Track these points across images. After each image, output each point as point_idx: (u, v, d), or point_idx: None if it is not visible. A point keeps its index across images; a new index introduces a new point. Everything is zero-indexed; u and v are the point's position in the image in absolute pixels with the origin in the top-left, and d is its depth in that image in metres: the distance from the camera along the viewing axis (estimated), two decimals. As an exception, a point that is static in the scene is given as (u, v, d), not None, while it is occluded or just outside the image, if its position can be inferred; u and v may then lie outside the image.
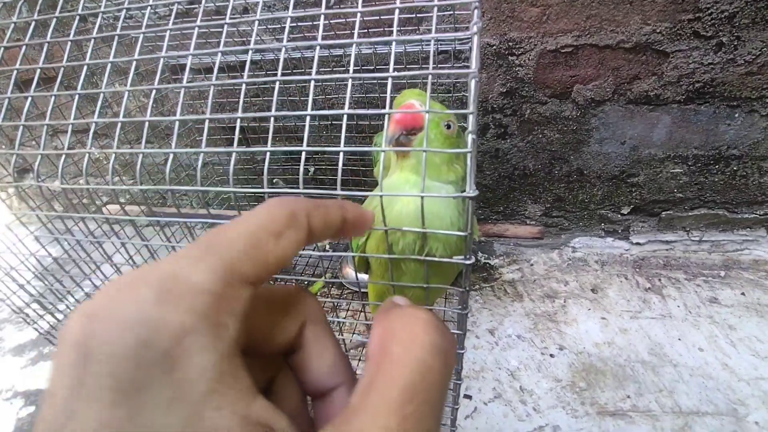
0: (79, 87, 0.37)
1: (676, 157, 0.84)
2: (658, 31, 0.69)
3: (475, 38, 0.29)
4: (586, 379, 0.73)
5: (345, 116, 0.31)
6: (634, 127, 0.81)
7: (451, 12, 0.65)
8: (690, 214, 0.91)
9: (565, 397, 0.71)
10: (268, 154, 0.32)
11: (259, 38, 0.77)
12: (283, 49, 0.34)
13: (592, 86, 0.77)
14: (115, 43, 0.37)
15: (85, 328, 0.11)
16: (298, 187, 0.31)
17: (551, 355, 0.78)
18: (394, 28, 0.31)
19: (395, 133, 0.35)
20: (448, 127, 0.38)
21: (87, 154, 0.37)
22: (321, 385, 0.16)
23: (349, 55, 0.78)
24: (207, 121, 0.34)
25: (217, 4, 0.66)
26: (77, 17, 0.39)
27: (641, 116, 0.80)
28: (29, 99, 0.39)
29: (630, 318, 0.83)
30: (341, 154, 0.30)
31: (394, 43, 0.31)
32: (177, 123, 0.35)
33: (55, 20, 0.40)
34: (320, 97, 0.90)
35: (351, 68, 0.31)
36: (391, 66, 0.31)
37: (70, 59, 0.40)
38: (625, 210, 0.94)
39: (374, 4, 0.35)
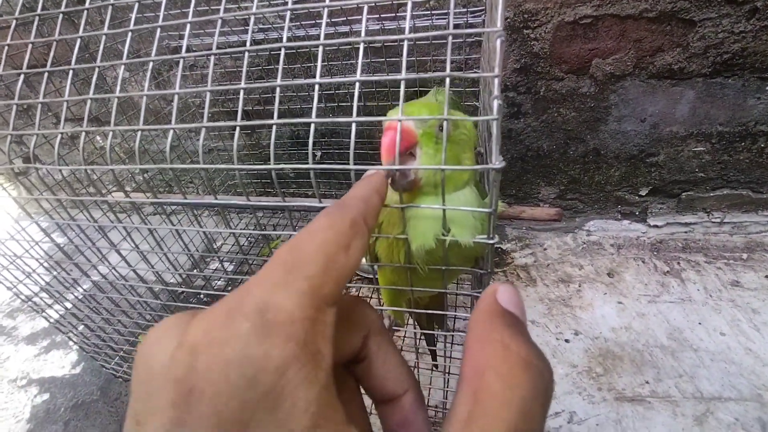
0: (73, 61, 0.35)
1: (699, 134, 0.80)
2: (685, -3, 0.65)
3: (501, -7, 0.26)
4: (602, 364, 0.71)
5: (357, 83, 0.28)
6: (656, 103, 0.77)
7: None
8: (711, 194, 0.88)
9: (581, 382, 0.69)
10: (274, 127, 0.30)
11: (260, 14, 0.74)
12: (287, 25, 0.31)
13: (611, 60, 0.73)
14: (109, 12, 0.35)
15: (186, 363, 0.11)
16: (305, 172, 0.29)
17: (566, 341, 0.76)
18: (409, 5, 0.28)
19: (391, 162, 0.28)
20: (441, 128, 0.33)
21: (83, 133, 0.35)
22: (389, 392, 0.16)
23: (357, 31, 0.75)
24: (208, 93, 0.32)
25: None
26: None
27: (663, 91, 0.76)
28: (21, 77, 0.37)
29: (648, 302, 0.81)
30: (353, 125, 0.28)
31: (410, 3, 0.28)
32: (176, 97, 0.32)
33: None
34: (326, 77, 0.87)
35: (363, 32, 0.29)
36: (407, 29, 0.28)
37: (67, 42, 0.37)
38: (643, 191, 0.90)
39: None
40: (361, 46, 0.28)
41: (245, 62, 0.32)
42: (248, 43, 0.33)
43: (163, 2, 0.35)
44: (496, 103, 0.25)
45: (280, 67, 0.31)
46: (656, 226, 0.94)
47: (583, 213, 0.96)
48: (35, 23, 0.38)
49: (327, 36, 0.76)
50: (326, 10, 0.30)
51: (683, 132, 0.80)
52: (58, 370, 0.86)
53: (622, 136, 0.82)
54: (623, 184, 0.90)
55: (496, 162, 0.24)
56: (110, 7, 0.36)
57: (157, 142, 1.08)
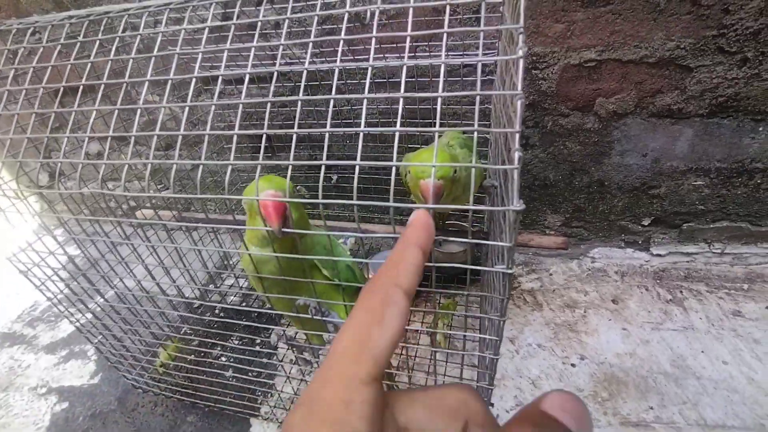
0: (105, 77, 0.40)
1: (698, 169, 0.84)
2: (681, 46, 0.70)
3: (521, 62, 0.31)
4: (608, 389, 0.74)
5: (401, 99, 0.32)
6: (656, 139, 0.82)
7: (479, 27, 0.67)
8: (712, 226, 0.91)
9: (587, 406, 0.71)
10: (327, 134, 0.34)
11: (290, 51, 0.80)
12: (338, 64, 0.36)
13: (614, 99, 0.79)
14: (137, 41, 0.40)
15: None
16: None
17: (572, 365, 0.78)
18: (443, 47, 0.33)
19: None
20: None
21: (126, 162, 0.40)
22: None
23: (383, 66, 0.81)
24: (269, 105, 0.36)
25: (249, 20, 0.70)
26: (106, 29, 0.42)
27: (663, 129, 0.81)
28: (61, 89, 0.42)
29: (651, 329, 0.83)
30: (396, 134, 0.32)
31: (443, 59, 0.33)
32: (240, 108, 0.37)
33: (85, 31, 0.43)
34: (345, 107, 0.93)
35: (406, 55, 0.33)
36: (441, 82, 0.33)
37: (108, 72, 0.43)
38: (646, 221, 0.94)
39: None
40: (404, 69, 0.33)
41: (303, 76, 0.37)
42: (306, 63, 0.38)
43: (204, 37, 0.41)
44: (516, 155, 0.29)
45: (335, 82, 0.35)
46: (659, 255, 0.97)
47: (588, 240, 1.00)
48: (76, 46, 0.44)
49: (350, 70, 0.82)
50: (374, 40, 0.36)
51: (683, 167, 0.84)
52: (77, 379, 0.89)
53: (624, 169, 0.87)
54: (626, 214, 0.94)
55: (517, 204, 0.29)
56: (138, 38, 0.42)
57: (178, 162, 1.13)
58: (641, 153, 0.84)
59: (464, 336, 0.82)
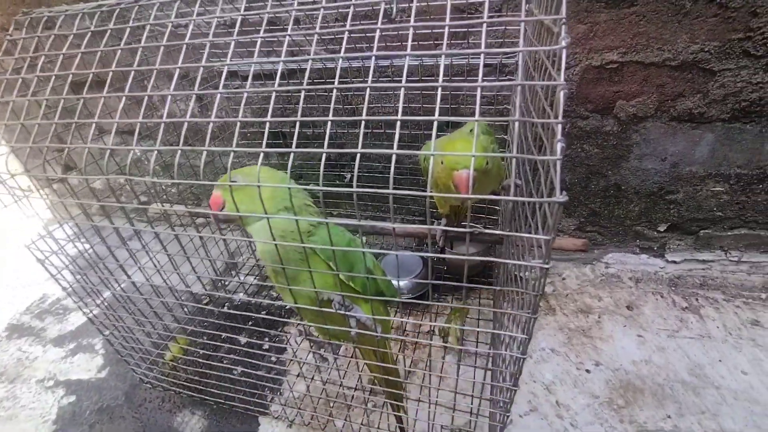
0: (137, 65, 0.40)
1: (717, 175, 0.83)
2: (706, 49, 0.70)
3: (564, 52, 0.30)
4: (624, 396, 0.72)
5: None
6: (676, 144, 0.81)
7: (503, 28, 0.67)
8: (729, 233, 0.90)
9: (603, 413, 0.70)
10: (362, 123, 0.33)
11: (310, 48, 0.80)
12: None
13: (635, 102, 0.78)
14: (147, 29, 0.40)
15: None
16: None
17: (587, 371, 0.77)
18: (484, 46, 0.33)
19: None
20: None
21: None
22: None
23: (396, 65, 0.80)
24: (303, 92, 0.36)
25: (263, 15, 0.69)
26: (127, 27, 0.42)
27: (684, 133, 0.80)
28: (90, 75, 0.42)
29: (667, 337, 0.82)
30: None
31: (483, 56, 0.32)
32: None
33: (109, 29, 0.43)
34: (360, 105, 0.92)
35: (438, 45, 0.33)
36: (480, 75, 0.32)
37: (120, 63, 0.43)
38: (662, 227, 0.93)
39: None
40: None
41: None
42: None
43: (212, 26, 0.41)
44: (559, 146, 0.29)
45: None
46: (674, 262, 0.96)
47: (602, 245, 0.99)
48: (106, 36, 0.43)
49: (359, 67, 0.81)
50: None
51: (702, 172, 0.83)
52: (84, 373, 0.88)
53: (642, 173, 0.86)
54: (642, 219, 0.92)
55: (560, 197, 0.28)
56: (147, 26, 0.41)
57: (191, 157, 1.13)
58: (660, 157, 0.83)
59: (477, 338, 0.81)
